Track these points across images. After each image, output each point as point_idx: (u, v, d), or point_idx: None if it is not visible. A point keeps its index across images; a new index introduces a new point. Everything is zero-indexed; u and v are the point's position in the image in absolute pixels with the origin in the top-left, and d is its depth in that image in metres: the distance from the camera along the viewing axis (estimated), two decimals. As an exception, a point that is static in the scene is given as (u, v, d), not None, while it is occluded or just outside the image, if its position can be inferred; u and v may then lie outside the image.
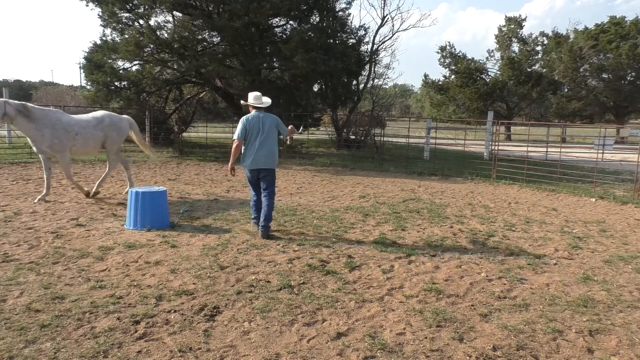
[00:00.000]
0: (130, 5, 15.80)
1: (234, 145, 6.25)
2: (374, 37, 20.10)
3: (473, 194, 10.36)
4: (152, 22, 16.43)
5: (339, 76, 17.60)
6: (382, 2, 29.88)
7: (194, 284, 4.49)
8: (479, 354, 3.37)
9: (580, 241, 6.54)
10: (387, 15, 20.19)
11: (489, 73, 36.22)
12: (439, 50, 35.81)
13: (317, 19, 17.80)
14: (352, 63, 17.18)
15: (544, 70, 35.20)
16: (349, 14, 29.08)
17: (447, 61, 35.86)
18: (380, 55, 24.22)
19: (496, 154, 13.29)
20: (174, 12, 17.08)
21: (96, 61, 16.07)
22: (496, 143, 14.12)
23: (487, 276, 4.98)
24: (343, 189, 10.53)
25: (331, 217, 7.45)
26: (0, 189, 8.94)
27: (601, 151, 18.63)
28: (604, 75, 34.44)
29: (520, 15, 42.06)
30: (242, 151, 6.29)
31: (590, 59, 33.24)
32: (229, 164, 6.37)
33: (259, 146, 6.16)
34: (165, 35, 16.51)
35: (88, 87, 18.46)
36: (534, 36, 36.96)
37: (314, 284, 4.59)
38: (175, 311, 3.89)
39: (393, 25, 33.53)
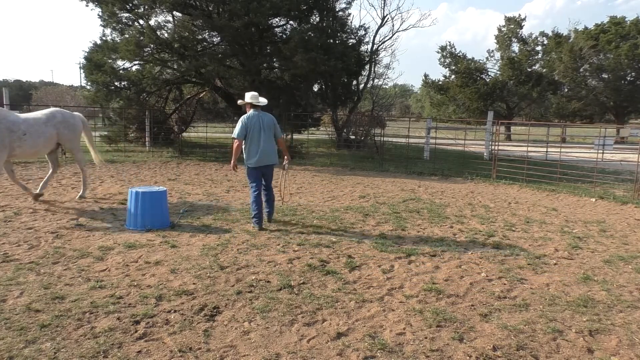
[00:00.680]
0: (130, 5, 15.79)
1: (235, 145, 6.52)
2: (374, 37, 20.17)
3: (473, 194, 10.36)
4: (152, 22, 16.43)
5: (339, 76, 17.59)
6: (382, 2, 29.92)
7: (194, 284, 4.49)
8: (479, 354, 3.37)
9: (580, 241, 6.54)
10: (387, 15, 20.28)
11: (489, 73, 36.21)
12: (439, 50, 35.81)
13: (317, 19, 17.78)
14: (352, 63, 17.16)
15: (544, 70, 35.16)
16: (349, 14, 29.20)
17: (447, 61, 35.84)
18: (380, 55, 24.32)
19: (496, 154, 13.29)
20: (174, 12, 17.06)
21: (96, 61, 16.06)
22: (496, 143, 14.13)
23: (487, 276, 4.98)
24: (343, 189, 10.53)
25: (331, 217, 7.45)
26: (0, 189, 8.94)
27: (601, 151, 18.63)
28: (604, 75, 34.42)
29: (520, 15, 41.99)
30: (245, 149, 6.45)
31: (590, 59, 33.22)
32: (232, 162, 6.69)
33: (263, 144, 6.46)
34: (165, 35, 16.49)
35: (88, 87, 18.45)
36: (534, 36, 36.96)
37: (314, 284, 4.59)
38: (175, 311, 3.89)
39: (393, 25, 33.73)
